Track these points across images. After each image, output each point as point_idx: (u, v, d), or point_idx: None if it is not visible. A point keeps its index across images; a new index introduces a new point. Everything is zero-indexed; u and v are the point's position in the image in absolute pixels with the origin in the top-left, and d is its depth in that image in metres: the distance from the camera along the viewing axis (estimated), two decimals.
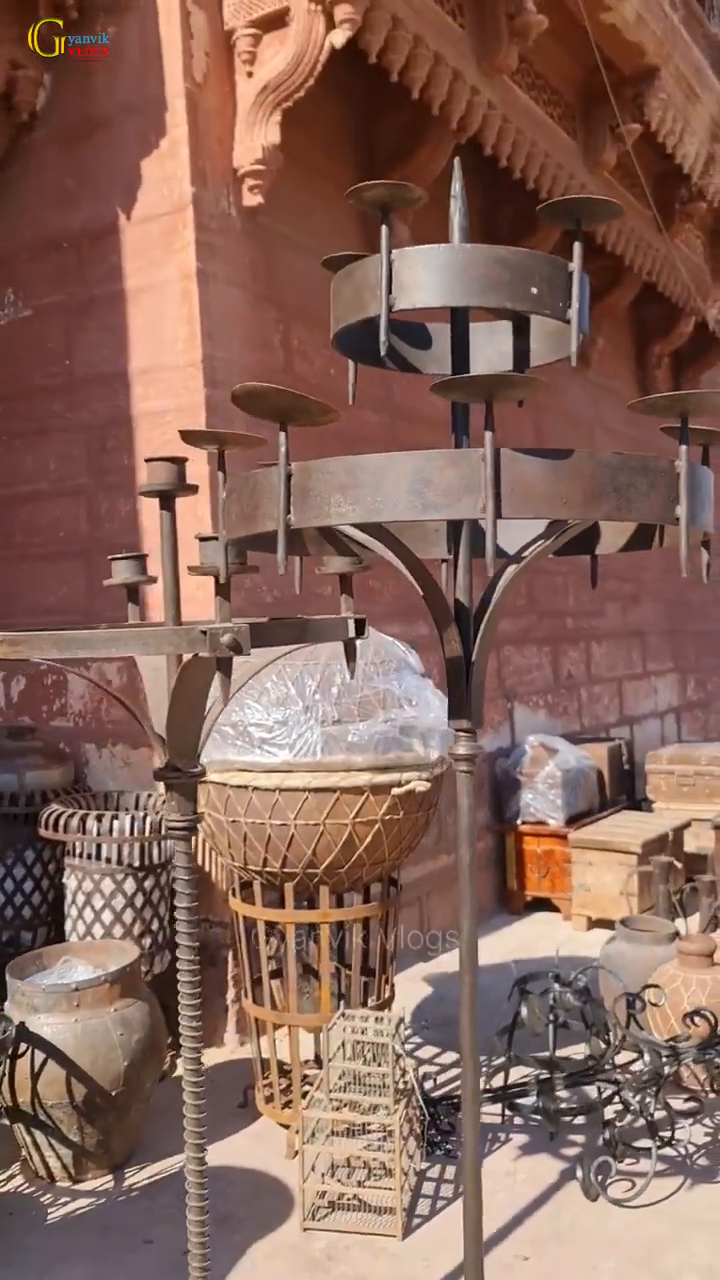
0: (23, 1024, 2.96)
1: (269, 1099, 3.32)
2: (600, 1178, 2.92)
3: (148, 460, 2.02)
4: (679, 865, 5.08)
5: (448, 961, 4.84)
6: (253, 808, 3.04)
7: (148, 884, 3.65)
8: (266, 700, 3.07)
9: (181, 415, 4.01)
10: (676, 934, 3.82)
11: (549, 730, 6.12)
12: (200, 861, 3.97)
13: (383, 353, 1.44)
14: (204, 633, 1.63)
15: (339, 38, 3.96)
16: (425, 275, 1.34)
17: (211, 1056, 3.85)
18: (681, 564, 1.29)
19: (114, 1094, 2.99)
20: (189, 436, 1.63)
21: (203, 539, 2.17)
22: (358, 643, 2.22)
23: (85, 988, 3.02)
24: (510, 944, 5.11)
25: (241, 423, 4.14)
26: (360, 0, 3.92)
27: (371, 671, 3.15)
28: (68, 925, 3.69)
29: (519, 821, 5.57)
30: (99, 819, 3.57)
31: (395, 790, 3.06)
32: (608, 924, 5.07)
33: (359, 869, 3.13)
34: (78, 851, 3.64)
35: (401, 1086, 2.91)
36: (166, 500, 1.97)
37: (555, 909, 5.52)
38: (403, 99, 4.57)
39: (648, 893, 5.07)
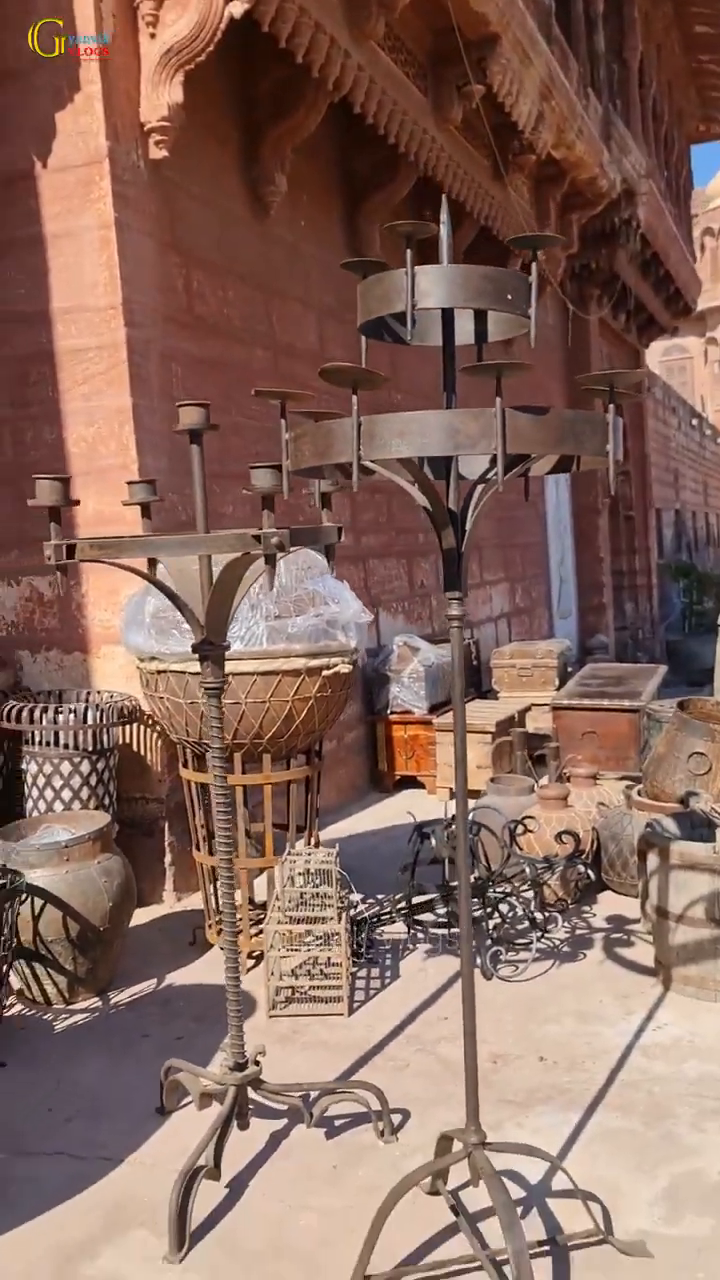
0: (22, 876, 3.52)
1: (219, 932, 4.01)
2: (493, 964, 3.77)
3: (179, 405, 2.57)
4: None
5: (337, 829, 5.61)
6: None
7: (100, 765, 4.22)
8: None
9: (103, 352, 4.46)
10: (534, 786, 4.71)
11: (407, 633, 6.91)
12: (137, 748, 4.56)
13: (409, 338, 2.04)
14: (256, 537, 2.25)
15: (237, 9, 4.41)
16: (436, 286, 1.96)
17: (155, 911, 4.51)
18: (611, 483, 2.03)
19: (102, 929, 3.60)
20: (261, 393, 2.18)
21: (132, 483, 2.66)
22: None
23: (74, 845, 3.60)
24: (386, 814, 5.94)
25: (157, 357, 4.65)
26: None
27: (301, 575, 3.80)
28: (28, 804, 4.21)
29: (388, 712, 6.38)
30: (59, 711, 4.10)
31: (325, 671, 3.75)
32: (469, 793, 5.96)
33: (295, 739, 3.82)
34: (36, 740, 4.16)
35: (342, 903, 3.65)
36: (195, 436, 2.53)
37: (421, 785, 6.39)
38: (283, 60, 5.05)
39: (500, 763, 5.99)
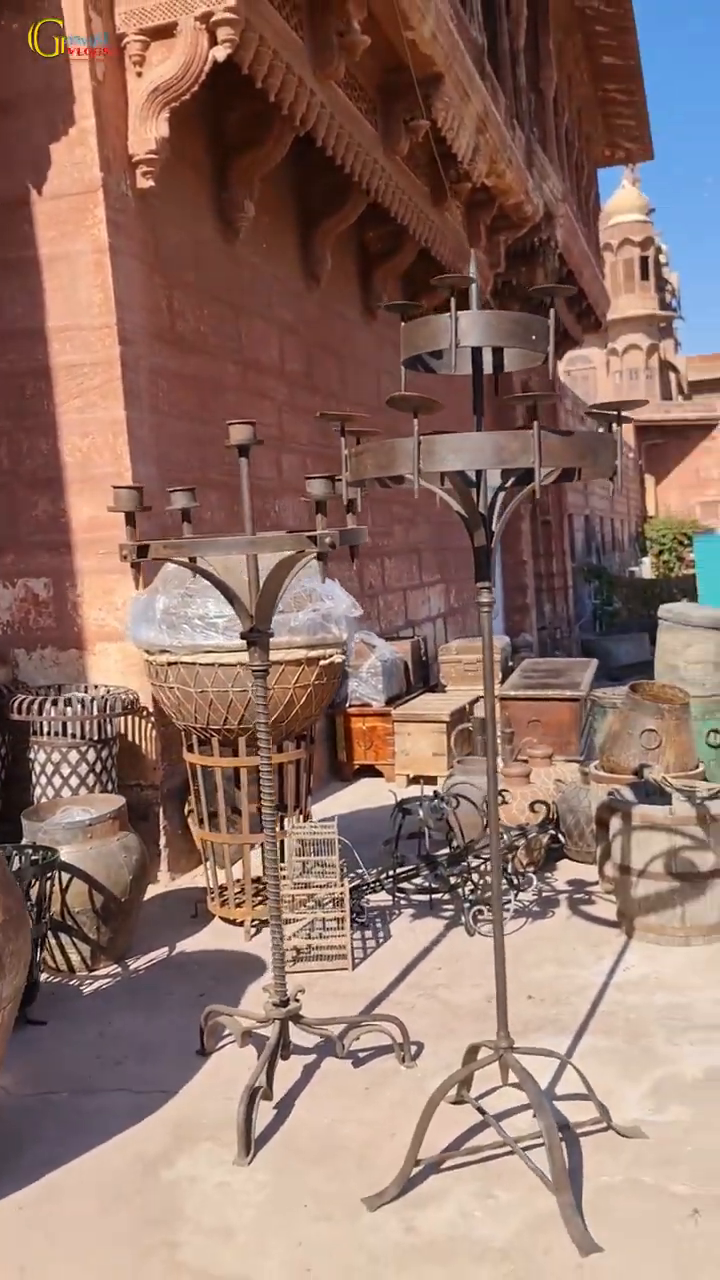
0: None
1: (223, 903, 4.36)
2: (475, 922, 4.21)
3: (229, 423, 2.93)
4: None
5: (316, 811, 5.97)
6: (217, 679, 4.02)
7: (104, 754, 4.53)
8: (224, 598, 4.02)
9: (98, 368, 4.77)
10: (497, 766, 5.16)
11: (360, 632, 7.33)
12: (133, 738, 4.88)
13: (453, 369, 2.45)
14: (312, 538, 2.64)
15: (221, 53, 4.78)
16: (474, 329, 2.37)
17: (153, 890, 4.81)
18: (613, 493, 2.47)
19: (123, 900, 3.93)
20: (326, 416, 2.55)
21: (119, 488, 2.93)
22: None
23: (97, 823, 3.92)
24: (349, 800, 6.35)
25: (146, 373, 4.98)
26: (238, 23, 4.74)
27: (299, 574, 4.16)
28: (36, 790, 4.50)
29: (347, 705, 6.78)
30: (68, 704, 4.40)
31: (322, 661, 4.14)
32: (424, 779, 6.42)
33: (295, 723, 4.20)
34: (45, 730, 4.45)
35: (344, 868, 4.04)
36: (244, 450, 2.89)
37: (379, 774, 6.81)
38: (253, 96, 5.43)
39: (451, 752, 6.44)
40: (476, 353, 2.56)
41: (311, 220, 6.93)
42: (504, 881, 4.37)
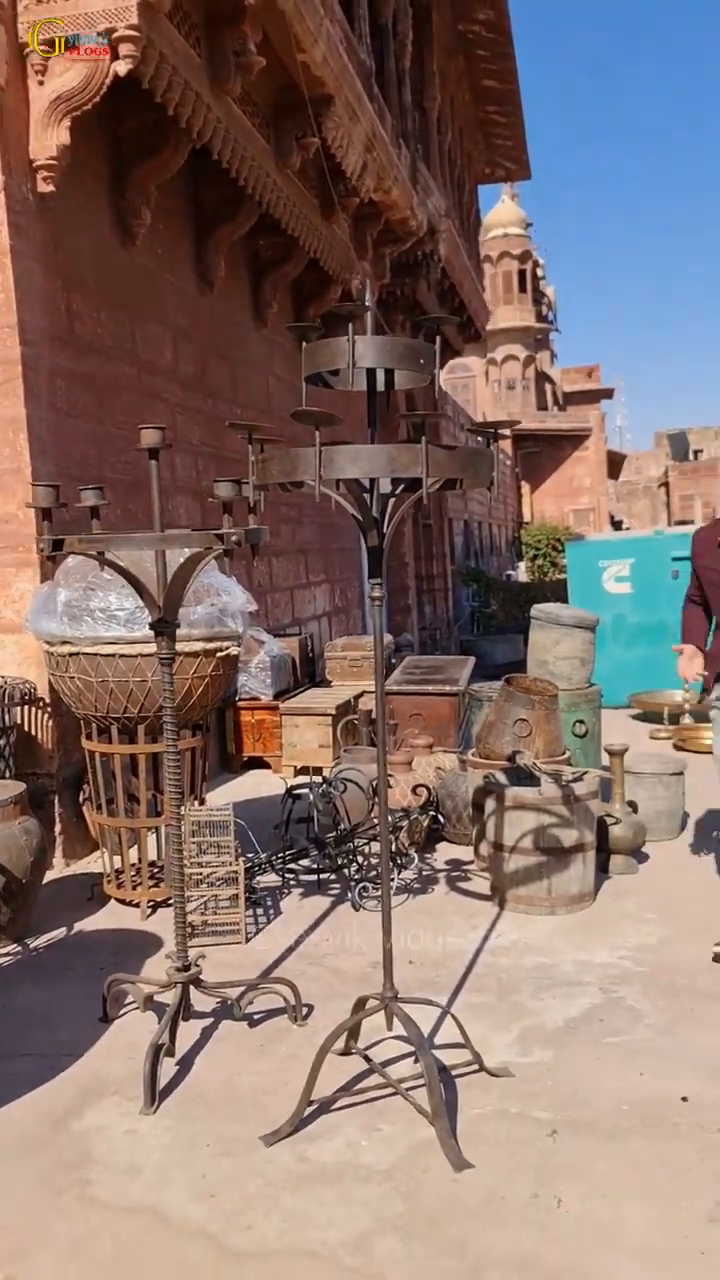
0: None
1: (120, 885, 4.54)
2: (360, 898, 4.50)
3: (141, 427, 3.15)
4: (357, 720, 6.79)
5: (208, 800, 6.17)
6: (119, 670, 4.21)
7: (0, 743, 4.66)
8: (126, 591, 4.22)
9: (2, 367, 4.89)
10: None
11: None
12: (29, 728, 5.00)
13: (350, 386, 2.72)
14: (219, 536, 2.88)
15: (122, 67, 4.96)
16: (371, 352, 2.65)
17: (47, 875, 4.95)
18: (491, 500, 2.78)
19: (24, 881, 4.08)
20: (235, 426, 2.78)
21: (37, 485, 3.18)
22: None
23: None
24: (237, 790, 6.57)
25: (46, 372, 5.12)
26: (139, 40, 4.93)
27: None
28: None
29: (236, 699, 7.00)
30: None
31: (220, 654, 4.37)
32: (311, 770, 6.68)
33: (192, 712, 4.41)
34: None
35: (238, 849, 4.27)
36: (154, 453, 3.11)
37: (266, 765, 7.05)
38: (151, 107, 5.61)
39: (337, 744, 6.73)
40: (371, 373, 2.85)
41: (206, 228, 7.13)
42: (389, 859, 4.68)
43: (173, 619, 3.18)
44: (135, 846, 4.67)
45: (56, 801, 5.03)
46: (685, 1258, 2.29)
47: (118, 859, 4.61)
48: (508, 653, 14.08)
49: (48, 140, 5.00)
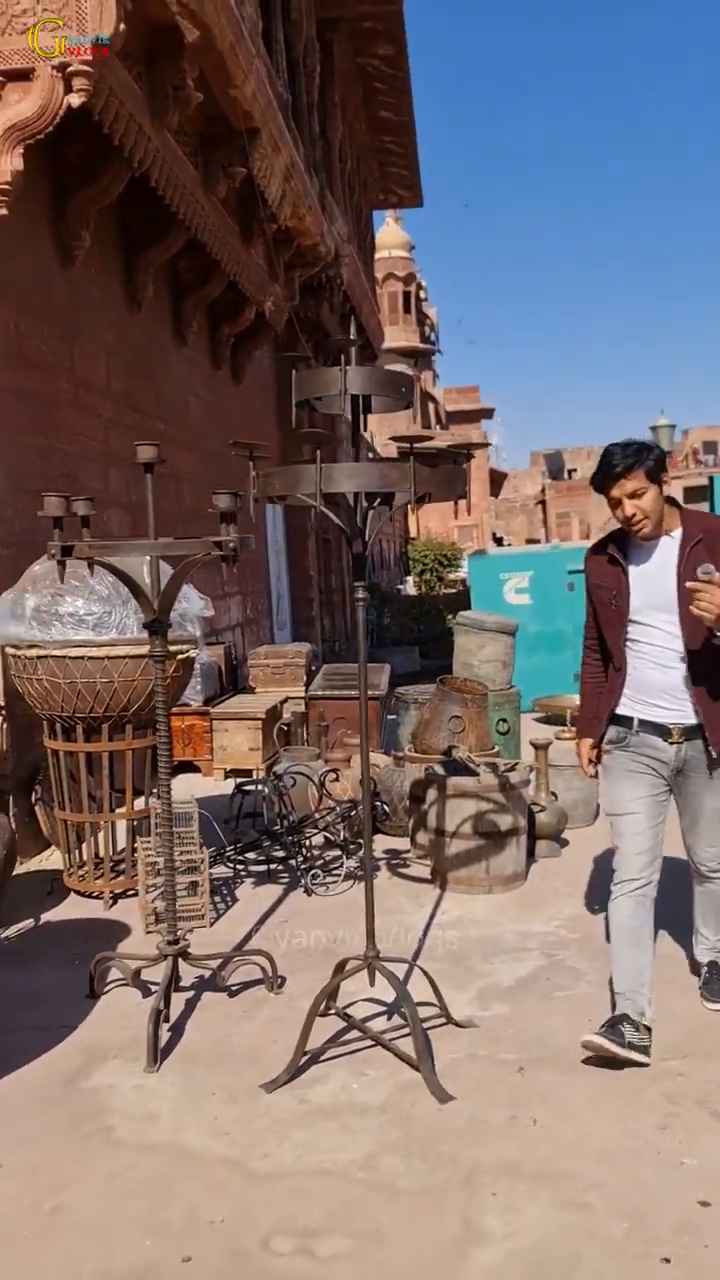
0: None
1: (81, 878, 4.76)
2: (312, 883, 4.82)
3: (136, 444, 3.43)
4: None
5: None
6: (86, 671, 4.44)
7: None
8: (94, 597, 4.47)
9: None
10: (319, 753, 5.81)
11: None
12: None
13: (345, 413, 3.07)
14: (217, 543, 3.19)
15: (76, 100, 5.21)
16: (358, 380, 2.99)
17: None
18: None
19: None
20: (237, 444, 3.10)
21: (47, 495, 3.49)
22: None
23: None
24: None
25: None
26: (92, 74, 5.20)
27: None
28: None
29: None
30: None
31: (179, 656, 4.64)
32: (240, 772, 6.97)
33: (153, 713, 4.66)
34: None
35: (202, 839, 4.55)
36: (149, 468, 3.40)
37: (197, 769, 7.29)
38: (93, 134, 5.86)
39: (266, 746, 7.03)
40: (355, 399, 3.21)
41: (135, 249, 7.38)
42: (336, 848, 5.02)
43: (166, 619, 3.46)
44: (93, 840, 4.88)
45: (10, 801, 5.20)
46: (644, 1156, 2.70)
47: (77, 853, 4.82)
48: (404, 663, 14.53)
49: (2, 166, 5.21)
